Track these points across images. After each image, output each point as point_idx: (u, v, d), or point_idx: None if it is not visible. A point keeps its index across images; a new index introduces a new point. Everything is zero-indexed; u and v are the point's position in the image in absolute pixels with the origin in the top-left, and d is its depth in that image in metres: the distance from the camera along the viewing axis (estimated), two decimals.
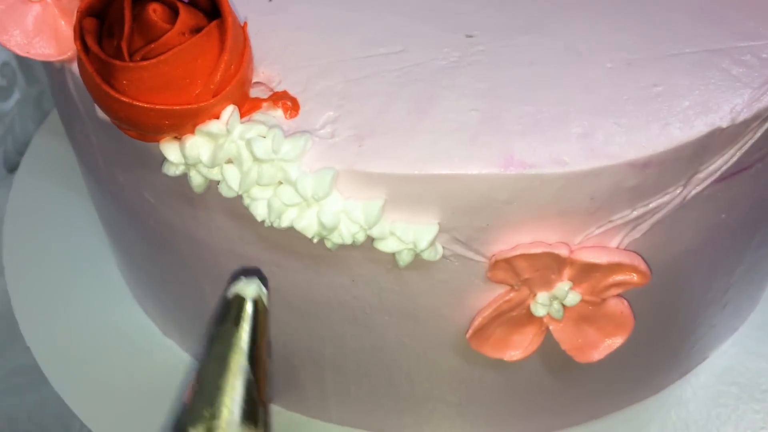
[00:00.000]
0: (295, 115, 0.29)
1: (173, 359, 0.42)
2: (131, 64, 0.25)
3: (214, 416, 0.24)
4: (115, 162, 0.33)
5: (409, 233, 0.28)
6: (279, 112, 0.29)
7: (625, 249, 0.30)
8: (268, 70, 0.30)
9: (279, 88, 0.30)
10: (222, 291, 0.34)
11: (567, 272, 0.30)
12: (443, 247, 0.29)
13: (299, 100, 0.29)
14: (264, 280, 0.26)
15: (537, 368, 0.34)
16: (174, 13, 0.26)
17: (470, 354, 0.32)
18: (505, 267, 0.29)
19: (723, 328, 0.40)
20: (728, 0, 0.33)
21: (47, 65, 0.33)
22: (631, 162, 0.28)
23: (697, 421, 0.38)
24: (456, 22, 0.32)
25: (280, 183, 0.28)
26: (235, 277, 0.27)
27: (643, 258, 0.30)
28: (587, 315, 0.31)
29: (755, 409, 0.39)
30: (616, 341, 0.31)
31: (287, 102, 0.29)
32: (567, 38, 0.31)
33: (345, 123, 0.29)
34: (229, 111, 0.27)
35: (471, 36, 0.31)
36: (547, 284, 0.30)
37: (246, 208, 0.28)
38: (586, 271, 0.29)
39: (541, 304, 0.30)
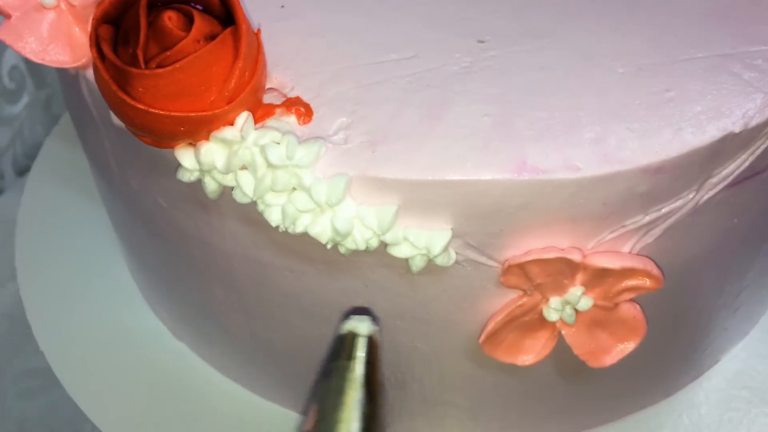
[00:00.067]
0: (309, 121, 0.29)
1: (184, 363, 0.42)
2: (147, 72, 0.25)
3: None
4: (128, 167, 0.33)
5: (423, 239, 0.29)
6: (292, 118, 0.29)
7: (637, 254, 0.30)
8: (280, 76, 0.30)
9: (292, 94, 0.30)
10: (234, 295, 0.35)
11: (580, 277, 0.30)
12: (456, 253, 0.29)
13: (312, 105, 0.29)
14: (376, 319, 0.28)
15: (549, 373, 0.34)
16: (189, 21, 0.26)
17: (482, 358, 0.32)
18: (518, 272, 0.29)
19: (734, 331, 0.40)
20: (739, 4, 0.33)
21: (61, 71, 0.33)
22: (644, 167, 0.28)
23: (709, 424, 0.38)
24: (467, 27, 0.32)
25: (294, 189, 0.28)
26: (347, 314, 0.28)
27: (655, 263, 0.30)
28: (600, 320, 0.31)
29: (767, 412, 0.39)
30: (628, 346, 0.32)
31: (300, 108, 0.29)
32: (578, 43, 0.31)
33: (358, 129, 0.29)
34: (244, 117, 0.27)
35: (482, 41, 0.32)
36: (560, 289, 0.30)
37: (260, 214, 0.29)
38: (598, 276, 0.29)
39: (553, 309, 0.30)
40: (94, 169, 0.39)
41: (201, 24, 0.26)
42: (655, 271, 0.30)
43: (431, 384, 0.35)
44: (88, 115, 0.33)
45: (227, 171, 0.28)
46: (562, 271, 0.29)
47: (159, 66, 0.26)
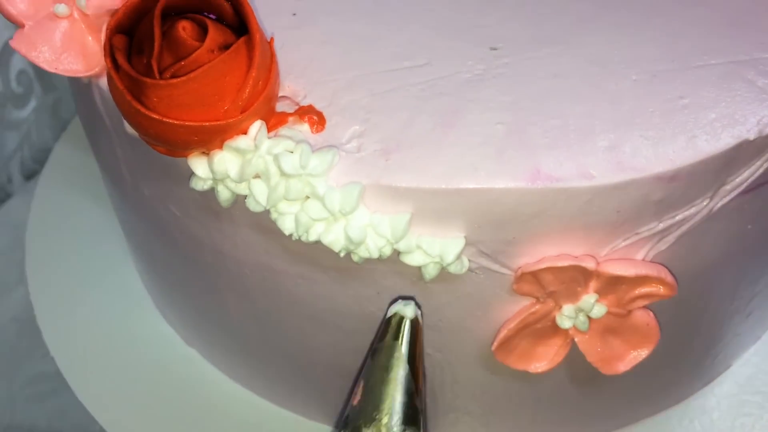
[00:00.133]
0: (321, 130, 0.29)
1: (195, 368, 0.42)
2: (162, 82, 0.25)
3: (381, 419, 0.28)
4: (140, 175, 0.33)
5: (436, 247, 0.28)
6: (305, 127, 0.29)
7: (651, 261, 0.30)
8: (293, 84, 0.30)
9: (304, 102, 0.30)
10: (246, 302, 0.35)
11: (593, 284, 0.30)
12: (469, 260, 0.29)
13: (325, 114, 0.29)
14: (419, 306, 0.30)
15: (561, 379, 0.34)
16: (203, 30, 0.26)
17: (494, 365, 0.32)
18: (531, 280, 0.29)
19: (747, 336, 0.40)
20: (753, 11, 0.33)
21: (73, 79, 0.33)
22: (659, 175, 0.28)
23: (721, 430, 0.38)
24: (480, 34, 0.32)
25: (308, 198, 0.28)
26: (394, 300, 0.31)
27: (669, 270, 0.30)
28: (613, 327, 0.31)
29: None
30: (642, 353, 0.31)
31: (313, 116, 0.29)
32: (591, 50, 0.31)
33: (371, 137, 0.29)
34: (257, 126, 0.27)
35: (495, 48, 0.31)
36: (573, 296, 0.30)
37: (273, 222, 0.29)
38: (612, 284, 0.29)
39: (566, 317, 0.30)
40: (105, 176, 0.39)
41: (215, 33, 0.26)
42: (669, 278, 0.30)
43: (443, 391, 0.35)
44: (101, 123, 0.33)
45: (240, 180, 0.28)
46: (576, 278, 0.29)
47: (173, 76, 0.26)
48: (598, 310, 0.30)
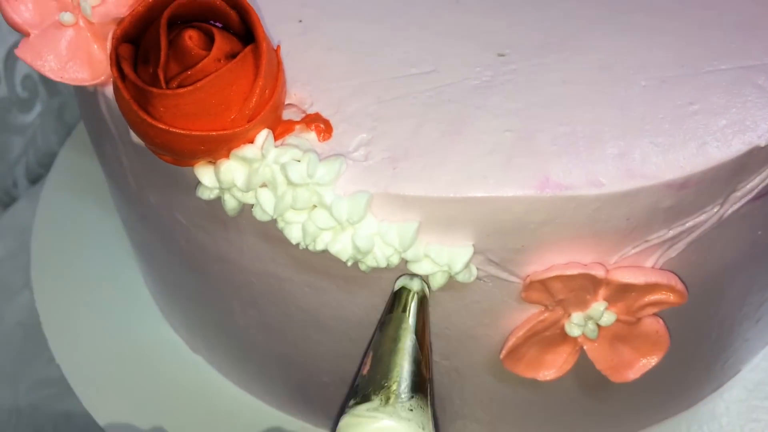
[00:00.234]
0: (328, 138, 0.29)
1: (200, 375, 0.42)
2: (169, 92, 0.25)
3: (390, 386, 0.29)
4: (147, 184, 0.33)
5: (444, 255, 0.28)
6: (312, 135, 0.29)
7: (660, 268, 0.30)
8: (299, 92, 0.30)
9: (311, 110, 0.29)
10: (252, 310, 0.35)
11: (602, 292, 0.29)
12: (477, 269, 0.29)
13: (332, 122, 0.29)
14: (426, 282, 0.31)
15: (570, 387, 0.34)
16: (209, 39, 0.26)
17: (503, 373, 0.32)
18: (540, 288, 0.29)
19: (756, 341, 0.39)
20: (762, 16, 0.32)
21: (78, 87, 0.33)
22: (669, 183, 0.27)
23: None
24: (487, 40, 0.32)
25: (315, 206, 0.28)
26: (399, 276, 0.31)
27: (679, 277, 0.30)
28: (622, 334, 0.31)
29: None
30: (651, 360, 0.31)
31: (320, 124, 0.29)
32: (600, 56, 0.31)
33: (378, 145, 0.28)
34: (264, 135, 0.27)
35: (503, 55, 0.31)
36: (582, 304, 0.30)
37: (279, 231, 0.28)
38: (621, 291, 0.29)
39: (575, 324, 0.30)
40: (111, 184, 0.39)
41: (221, 42, 0.26)
42: (679, 285, 0.29)
43: (450, 398, 0.35)
44: (106, 131, 0.33)
45: (247, 189, 0.28)
46: (585, 286, 0.29)
47: (180, 85, 0.26)
48: (608, 318, 0.30)
